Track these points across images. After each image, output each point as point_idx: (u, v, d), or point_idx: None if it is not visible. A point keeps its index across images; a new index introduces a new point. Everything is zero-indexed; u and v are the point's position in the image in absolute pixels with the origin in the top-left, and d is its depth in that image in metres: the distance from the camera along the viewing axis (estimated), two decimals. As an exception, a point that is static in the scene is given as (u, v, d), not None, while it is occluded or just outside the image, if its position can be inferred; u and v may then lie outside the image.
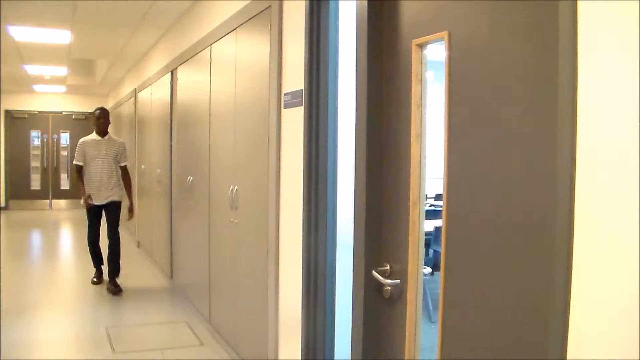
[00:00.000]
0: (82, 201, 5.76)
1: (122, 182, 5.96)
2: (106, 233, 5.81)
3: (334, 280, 2.75)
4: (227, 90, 4.05)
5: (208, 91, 4.52)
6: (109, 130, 5.94)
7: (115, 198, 5.83)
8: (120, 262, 5.92)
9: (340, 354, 2.76)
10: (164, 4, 5.08)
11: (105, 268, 5.95)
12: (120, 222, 5.95)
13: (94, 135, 5.84)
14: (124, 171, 5.97)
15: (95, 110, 5.98)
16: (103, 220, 5.91)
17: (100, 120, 5.82)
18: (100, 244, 6.01)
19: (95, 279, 6.08)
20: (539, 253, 1.38)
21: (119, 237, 5.89)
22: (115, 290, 5.66)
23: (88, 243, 5.99)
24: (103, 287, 5.89)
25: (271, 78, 3.17)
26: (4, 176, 12.90)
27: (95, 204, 5.74)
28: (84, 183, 5.78)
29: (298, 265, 2.84)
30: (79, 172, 5.84)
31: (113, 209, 5.84)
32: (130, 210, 6.03)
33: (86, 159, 5.74)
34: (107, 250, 5.82)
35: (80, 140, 5.90)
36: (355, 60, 2.12)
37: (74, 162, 5.87)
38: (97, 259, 6.05)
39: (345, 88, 2.66)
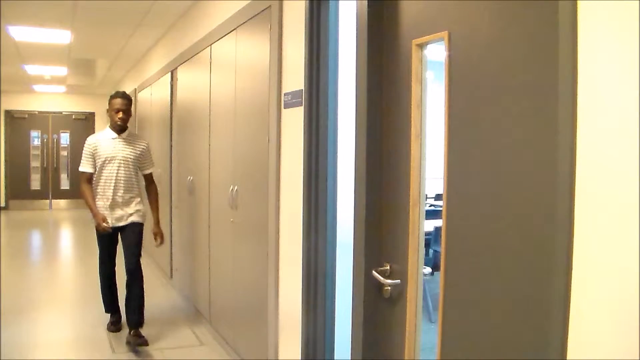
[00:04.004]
0: (96, 224, 4.18)
1: (144, 196, 4.46)
2: (123, 265, 4.25)
3: (334, 280, 2.75)
4: (227, 90, 4.05)
5: (208, 91, 4.52)
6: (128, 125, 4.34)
7: (137, 219, 4.27)
8: (145, 304, 4.32)
9: (340, 354, 2.76)
10: (164, 4, 5.08)
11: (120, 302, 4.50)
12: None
13: (107, 132, 4.27)
14: (149, 181, 4.46)
15: (112, 97, 4.25)
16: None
17: (120, 115, 4.16)
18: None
19: (111, 325, 4.45)
20: (539, 253, 1.38)
21: (141, 272, 4.27)
22: (140, 341, 4.03)
23: (101, 278, 4.44)
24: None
25: (271, 78, 3.17)
26: (4, 176, 12.90)
27: (114, 225, 4.21)
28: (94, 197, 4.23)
29: (298, 265, 2.84)
30: (87, 183, 4.22)
31: (133, 233, 4.24)
32: (158, 234, 4.43)
33: (97, 164, 4.20)
34: (126, 290, 4.24)
35: (89, 138, 4.30)
36: (355, 60, 2.12)
37: (80, 168, 4.22)
38: (111, 299, 4.48)
39: (345, 88, 2.66)
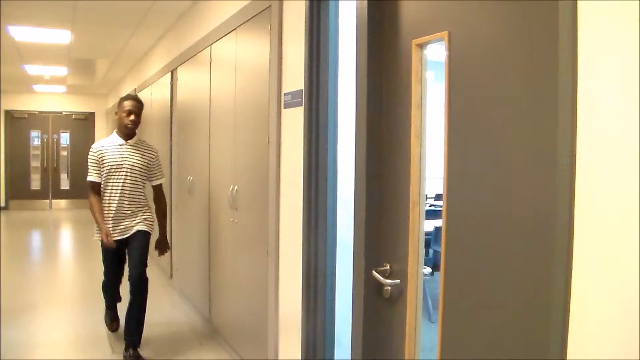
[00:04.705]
0: (99, 237, 3.90)
1: (152, 206, 4.14)
2: (127, 277, 3.89)
3: (334, 280, 2.75)
4: (227, 90, 4.05)
5: (208, 91, 4.52)
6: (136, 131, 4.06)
7: (143, 227, 3.95)
8: (144, 321, 3.96)
9: (340, 354, 2.76)
10: (164, 4, 5.08)
11: (116, 313, 4.41)
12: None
13: (114, 138, 3.98)
14: (158, 193, 4.15)
15: (124, 99, 3.99)
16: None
17: (131, 118, 3.91)
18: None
19: (111, 323, 4.41)
20: (539, 253, 1.38)
21: (146, 285, 3.89)
22: (134, 354, 3.85)
23: (103, 293, 4.32)
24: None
25: (271, 78, 3.17)
26: (4, 176, 12.91)
27: (115, 238, 3.89)
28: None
29: (298, 265, 2.84)
30: (95, 193, 3.92)
31: (139, 242, 3.90)
32: (162, 245, 4.17)
33: (102, 172, 3.90)
34: (128, 302, 3.88)
35: (94, 146, 3.99)
36: (355, 60, 2.12)
37: (88, 178, 3.92)
38: (112, 298, 4.37)
39: (345, 88, 2.66)
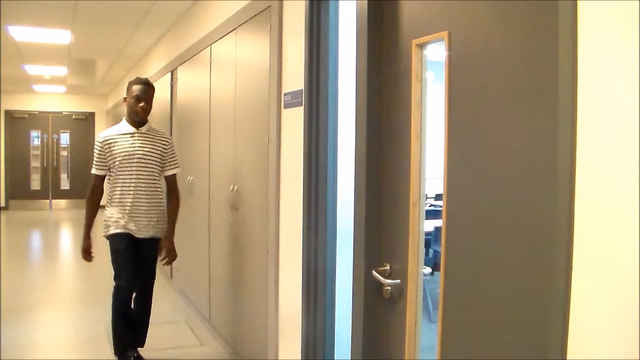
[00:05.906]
0: (106, 232, 3.59)
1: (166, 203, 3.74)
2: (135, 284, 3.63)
3: (334, 280, 2.75)
4: (227, 90, 4.05)
5: (208, 91, 4.52)
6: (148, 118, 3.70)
7: (157, 233, 3.65)
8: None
9: (340, 354, 2.76)
10: (164, 4, 5.08)
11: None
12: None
13: (123, 126, 3.61)
14: (171, 185, 3.75)
15: (133, 83, 3.60)
16: None
17: (141, 104, 3.55)
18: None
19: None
20: (539, 253, 1.38)
21: (152, 291, 3.75)
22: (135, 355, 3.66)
23: (114, 303, 3.56)
24: (98, 285, 4.56)
25: (271, 78, 3.17)
26: (4, 176, 12.91)
27: (133, 234, 3.55)
28: (107, 204, 3.61)
29: (298, 265, 2.84)
30: (95, 189, 3.61)
31: (152, 249, 3.65)
32: (167, 251, 3.71)
33: (111, 164, 3.54)
34: (134, 300, 3.67)
35: (100, 134, 3.63)
36: (355, 60, 2.12)
37: (92, 170, 3.59)
38: (123, 336, 3.65)
39: (345, 88, 2.66)
